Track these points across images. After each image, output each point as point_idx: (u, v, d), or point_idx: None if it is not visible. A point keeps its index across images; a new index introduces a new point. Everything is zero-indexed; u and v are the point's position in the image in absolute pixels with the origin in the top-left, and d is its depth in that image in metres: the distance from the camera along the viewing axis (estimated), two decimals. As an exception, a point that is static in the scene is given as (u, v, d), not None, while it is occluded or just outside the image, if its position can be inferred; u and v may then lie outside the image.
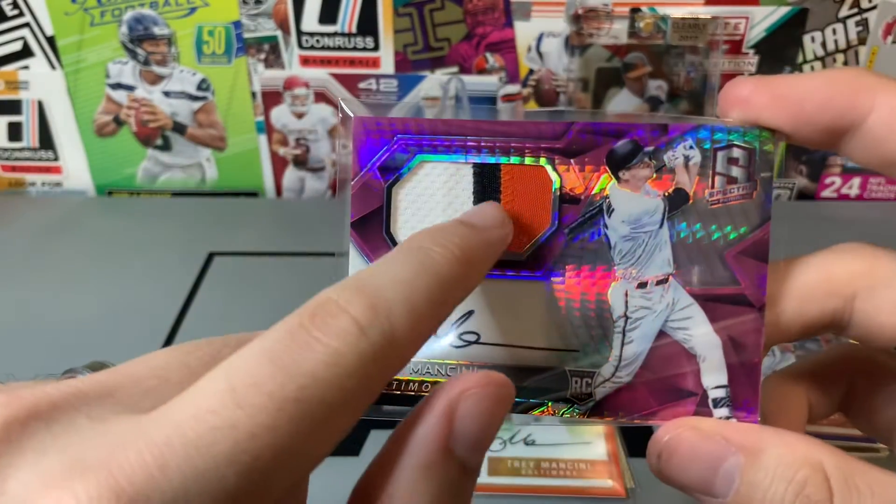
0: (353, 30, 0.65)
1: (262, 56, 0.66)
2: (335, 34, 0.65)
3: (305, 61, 0.66)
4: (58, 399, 0.16)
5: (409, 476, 0.18)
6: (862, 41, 0.64)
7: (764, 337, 0.23)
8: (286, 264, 0.60)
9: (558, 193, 0.23)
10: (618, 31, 0.62)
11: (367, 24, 0.64)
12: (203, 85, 0.68)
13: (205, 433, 0.14)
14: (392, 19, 0.64)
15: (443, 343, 0.24)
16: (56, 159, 0.72)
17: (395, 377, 0.23)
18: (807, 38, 0.64)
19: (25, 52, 0.67)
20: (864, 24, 0.63)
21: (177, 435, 0.14)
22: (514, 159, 0.24)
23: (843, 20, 0.64)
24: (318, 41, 0.65)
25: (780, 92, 0.22)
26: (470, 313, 0.24)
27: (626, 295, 0.23)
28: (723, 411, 0.23)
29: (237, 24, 0.65)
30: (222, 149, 0.71)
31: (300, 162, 0.71)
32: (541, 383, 0.24)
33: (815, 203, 0.72)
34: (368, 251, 0.24)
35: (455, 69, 0.67)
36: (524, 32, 0.65)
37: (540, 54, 0.66)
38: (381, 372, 0.17)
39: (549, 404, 0.24)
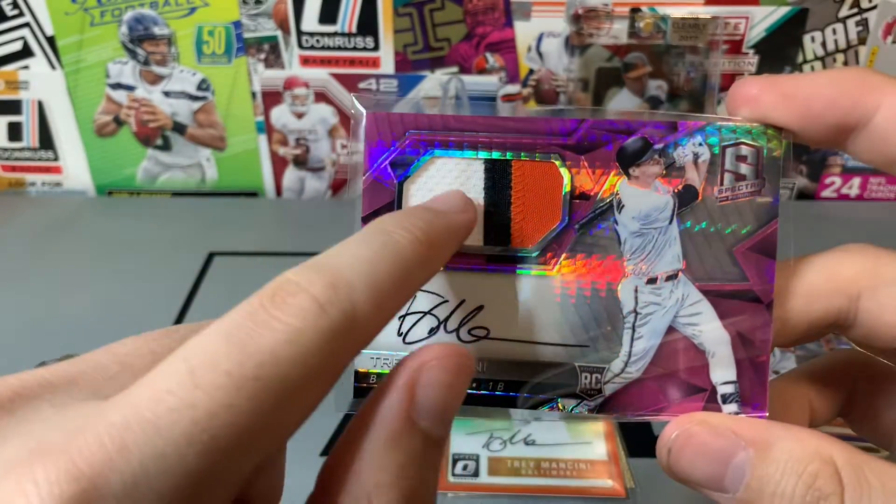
0: (353, 30, 0.65)
1: (262, 56, 0.66)
2: (335, 34, 0.65)
3: (305, 61, 0.66)
4: (20, 388, 0.16)
5: (375, 449, 0.18)
6: (862, 41, 0.64)
7: (772, 333, 0.23)
8: (286, 264, 0.60)
9: (569, 190, 0.24)
10: (618, 31, 0.62)
11: (367, 24, 0.64)
12: (203, 85, 0.68)
13: (163, 414, 0.14)
14: (392, 19, 0.64)
15: (452, 338, 0.24)
16: (56, 159, 0.72)
17: None
18: (807, 38, 0.64)
19: (25, 52, 0.67)
20: (864, 24, 0.63)
21: (135, 416, 0.14)
22: (524, 156, 0.24)
23: (843, 20, 0.64)
24: (318, 41, 0.65)
25: (788, 91, 0.22)
26: (480, 308, 0.24)
27: (636, 291, 0.24)
28: (731, 407, 0.23)
29: (237, 24, 0.65)
30: (222, 149, 0.71)
31: (300, 162, 0.71)
32: (550, 379, 0.24)
33: (815, 203, 0.72)
34: None
35: (455, 69, 0.67)
36: (524, 32, 0.65)
37: (540, 54, 0.66)
38: (342, 350, 0.17)
39: (559, 400, 0.24)
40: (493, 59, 0.66)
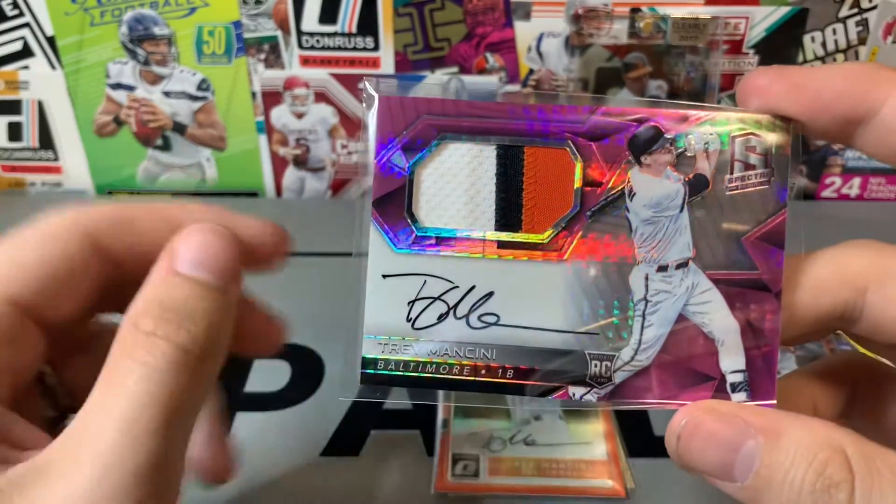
0: (353, 30, 0.65)
1: (262, 56, 0.66)
2: (335, 34, 0.65)
3: (305, 61, 0.66)
4: None
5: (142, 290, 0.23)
6: (862, 41, 0.64)
7: (781, 322, 0.23)
8: (286, 264, 0.60)
9: (580, 177, 0.24)
10: (618, 31, 0.62)
11: (367, 24, 0.64)
12: (203, 85, 0.68)
13: None
14: (392, 19, 0.64)
15: (461, 324, 0.24)
16: (56, 159, 0.72)
17: (413, 359, 0.24)
18: (807, 38, 0.64)
19: (25, 52, 0.67)
20: (864, 24, 0.64)
21: None
22: (537, 142, 0.24)
23: (843, 20, 0.64)
24: (318, 41, 0.65)
25: (798, 81, 0.23)
26: (490, 295, 0.24)
27: (647, 278, 0.24)
28: (740, 395, 0.23)
29: (237, 24, 0.65)
30: (222, 149, 0.71)
31: (300, 162, 0.71)
32: (560, 366, 0.24)
33: (815, 203, 0.72)
34: (389, 229, 0.24)
35: (455, 69, 0.67)
36: (524, 32, 0.65)
37: (540, 54, 0.66)
38: None
39: (568, 387, 0.24)
40: (493, 59, 0.66)
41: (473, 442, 0.44)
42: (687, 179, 0.24)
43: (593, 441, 0.44)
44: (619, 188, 0.24)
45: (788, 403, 0.25)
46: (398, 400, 0.26)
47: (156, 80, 0.68)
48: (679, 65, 0.63)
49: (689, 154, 0.24)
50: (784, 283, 0.23)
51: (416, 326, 0.24)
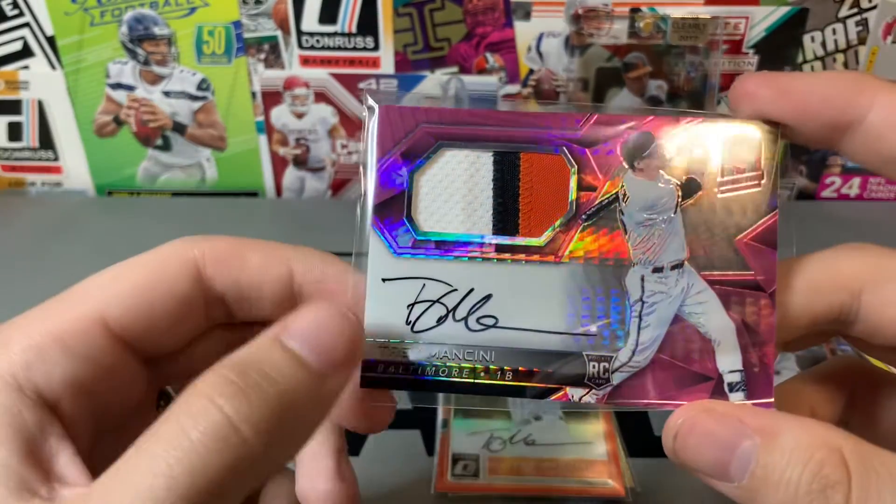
0: (353, 30, 0.65)
1: (262, 56, 0.66)
2: (335, 34, 0.65)
3: (305, 61, 0.66)
4: None
5: (239, 352, 0.21)
6: (862, 41, 0.64)
7: (776, 321, 0.23)
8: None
9: (575, 182, 0.24)
10: (618, 31, 0.62)
11: (367, 24, 0.64)
12: (203, 85, 0.68)
13: None
14: (392, 19, 0.64)
15: (461, 327, 0.24)
16: (56, 159, 0.72)
17: (414, 362, 0.24)
18: (807, 38, 0.64)
19: (25, 52, 0.67)
20: (864, 24, 0.64)
21: None
22: (532, 148, 0.24)
23: (843, 20, 0.64)
24: (318, 41, 0.65)
25: (785, 87, 0.23)
26: (488, 297, 0.24)
27: (643, 280, 0.24)
28: (738, 395, 0.24)
29: (237, 24, 0.65)
30: (222, 149, 0.71)
31: (300, 162, 0.71)
32: (558, 367, 0.24)
33: (815, 203, 0.72)
34: (389, 235, 0.24)
35: (455, 69, 0.67)
36: (524, 32, 0.65)
37: (540, 54, 0.66)
38: None
39: (566, 388, 0.24)
40: (493, 59, 0.66)
41: (473, 442, 0.44)
42: (679, 183, 0.24)
43: (593, 441, 0.44)
44: (614, 192, 0.24)
45: (786, 408, 0.25)
46: (399, 405, 0.26)
47: (156, 80, 0.68)
48: (679, 65, 0.63)
49: (681, 158, 0.24)
50: (778, 285, 0.23)
51: (415, 329, 0.24)
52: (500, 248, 0.24)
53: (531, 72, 0.67)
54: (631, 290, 0.24)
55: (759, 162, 0.24)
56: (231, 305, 0.25)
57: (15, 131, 0.70)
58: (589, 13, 0.62)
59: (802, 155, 0.71)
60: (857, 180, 0.71)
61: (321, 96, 0.68)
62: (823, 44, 0.65)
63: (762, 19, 0.63)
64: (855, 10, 0.63)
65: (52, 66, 0.67)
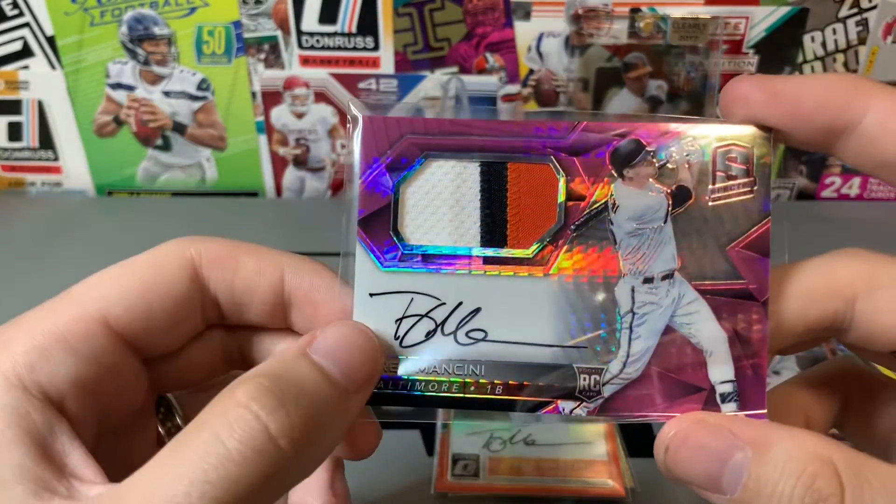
0: (353, 30, 0.65)
1: (262, 56, 0.66)
2: (335, 34, 0.65)
3: (305, 61, 0.66)
4: None
5: (270, 362, 0.21)
6: (862, 41, 0.64)
7: (768, 330, 0.23)
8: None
9: (564, 191, 0.24)
10: (618, 31, 0.62)
11: (367, 24, 0.64)
12: (203, 85, 0.68)
13: None
14: (392, 19, 0.64)
15: (449, 341, 0.24)
16: (56, 159, 0.72)
17: (403, 377, 0.24)
18: (807, 38, 0.64)
19: (25, 52, 0.67)
20: (864, 24, 0.64)
21: None
22: (520, 157, 0.24)
23: (843, 20, 0.64)
24: (318, 41, 0.65)
25: (779, 90, 0.23)
26: (477, 311, 0.24)
27: (633, 291, 0.24)
28: (730, 406, 0.23)
29: (237, 24, 0.65)
30: (222, 149, 0.71)
31: (300, 162, 0.71)
32: (549, 380, 0.24)
33: (815, 203, 0.72)
34: (375, 248, 0.24)
35: (455, 69, 0.67)
36: (524, 32, 0.65)
37: (540, 54, 0.66)
38: None
39: (557, 401, 0.24)
40: (493, 59, 0.66)
41: (473, 442, 0.44)
42: (670, 191, 0.24)
43: (593, 441, 0.44)
44: (603, 202, 0.24)
45: (780, 413, 0.24)
46: (388, 419, 0.26)
47: (156, 80, 0.68)
48: (679, 65, 0.63)
49: (671, 166, 0.24)
50: (771, 292, 0.23)
51: (403, 344, 0.24)
52: (487, 261, 0.24)
53: (531, 72, 0.67)
54: (621, 301, 0.24)
55: (752, 168, 0.24)
56: (223, 308, 0.25)
57: (15, 131, 0.70)
58: (589, 13, 0.62)
59: (802, 155, 0.71)
60: (857, 180, 0.71)
61: (321, 96, 0.68)
62: (823, 44, 0.65)
63: (762, 19, 0.63)
64: (855, 10, 0.63)
65: (52, 66, 0.67)
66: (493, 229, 0.24)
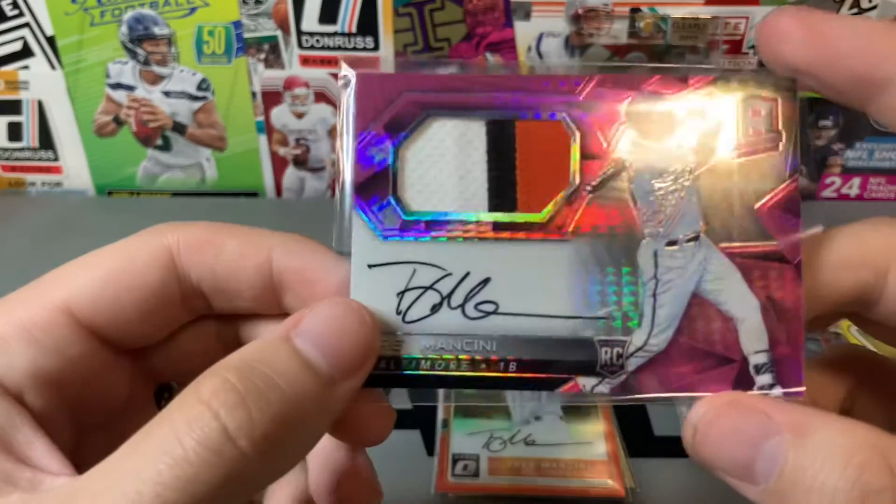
0: (353, 30, 0.65)
1: (262, 56, 0.66)
2: (335, 34, 0.65)
3: (305, 61, 0.66)
4: None
5: (250, 346, 0.20)
6: (862, 41, 0.64)
7: (803, 295, 0.21)
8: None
9: (577, 150, 0.22)
10: (618, 31, 0.62)
11: (367, 24, 0.64)
12: (203, 85, 0.68)
13: None
14: (392, 19, 0.64)
15: (457, 315, 0.22)
16: (56, 159, 0.72)
17: (407, 355, 0.22)
18: (807, 38, 0.64)
19: (25, 52, 0.67)
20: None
21: None
22: (529, 115, 0.22)
23: (843, 20, 0.64)
24: (318, 41, 0.65)
25: (820, 27, 0.21)
26: (487, 281, 0.22)
27: (656, 255, 0.22)
28: (765, 378, 0.22)
29: (237, 24, 0.65)
30: (222, 149, 0.71)
31: (300, 162, 0.71)
32: (567, 355, 0.22)
33: (815, 203, 0.72)
34: (374, 216, 0.22)
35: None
36: (524, 32, 0.65)
37: (540, 54, 0.66)
38: None
39: (577, 378, 0.22)
40: (492, 60, 0.66)
41: (473, 442, 0.44)
42: (692, 147, 0.22)
43: (593, 441, 0.44)
44: (620, 160, 0.22)
45: None
46: (398, 405, 0.24)
47: (156, 79, 0.68)
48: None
49: (692, 120, 0.22)
50: (803, 259, 0.21)
51: (406, 320, 0.22)
52: (497, 226, 0.22)
53: (531, 72, 0.66)
54: (644, 266, 0.22)
55: (777, 122, 0.22)
56: (209, 296, 0.24)
57: (15, 131, 0.70)
58: (589, 13, 0.62)
59: (804, 155, 0.71)
60: (857, 180, 0.71)
61: (321, 96, 0.68)
62: (823, 44, 0.65)
63: (762, 19, 0.63)
64: (855, 10, 0.63)
65: (52, 66, 0.67)
66: (502, 192, 0.22)
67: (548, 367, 0.22)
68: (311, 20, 0.64)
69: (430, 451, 0.44)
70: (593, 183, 0.22)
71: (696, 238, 0.22)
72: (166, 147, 0.71)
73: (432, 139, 0.23)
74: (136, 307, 0.23)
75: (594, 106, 0.22)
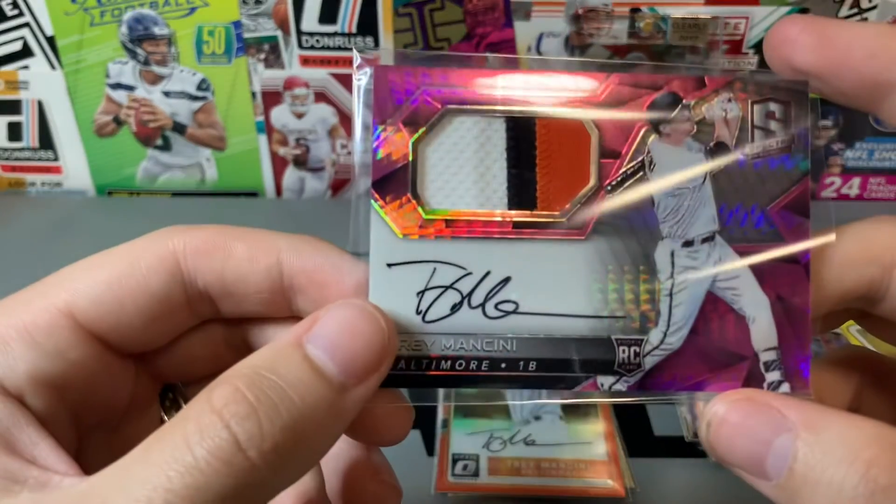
0: (353, 30, 0.65)
1: (262, 56, 0.66)
2: (335, 34, 0.65)
3: (305, 61, 0.66)
4: None
5: (262, 351, 0.20)
6: (862, 41, 0.64)
7: (811, 294, 0.22)
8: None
9: (597, 149, 0.22)
10: (618, 31, 0.62)
11: (367, 24, 0.64)
12: (203, 85, 0.68)
13: None
14: (392, 19, 0.64)
15: (477, 314, 0.22)
16: (56, 159, 0.72)
17: (427, 355, 0.22)
18: (807, 38, 0.64)
19: (25, 52, 0.67)
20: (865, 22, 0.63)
21: None
22: (549, 112, 0.22)
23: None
24: (318, 41, 0.65)
25: (830, 34, 0.21)
26: (507, 280, 0.22)
27: (672, 255, 0.22)
28: (774, 374, 0.22)
29: (237, 24, 0.65)
30: (222, 149, 0.71)
31: (300, 162, 0.71)
32: (586, 354, 0.22)
33: (814, 203, 0.72)
34: (393, 215, 0.22)
35: (455, 69, 0.66)
36: (524, 32, 0.65)
37: (540, 54, 0.66)
38: None
39: (596, 377, 0.22)
40: (493, 60, 0.66)
41: (473, 442, 0.44)
42: (708, 148, 0.22)
43: (593, 441, 0.44)
44: (639, 160, 0.22)
45: None
46: (416, 404, 0.24)
47: (156, 79, 0.68)
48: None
49: (708, 122, 0.22)
50: (811, 256, 0.22)
51: (426, 319, 0.22)
52: (517, 225, 0.22)
53: (531, 72, 0.66)
54: (661, 266, 0.22)
55: (790, 124, 0.22)
56: (216, 300, 0.24)
57: (15, 131, 0.70)
58: (589, 13, 0.62)
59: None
60: (857, 180, 0.71)
61: (321, 96, 0.68)
62: (823, 44, 0.65)
63: (762, 19, 0.63)
64: (855, 10, 0.63)
65: (52, 66, 0.67)
66: (522, 191, 0.22)
67: (567, 366, 0.22)
68: (311, 20, 0.64)
69: (430, 451, 0.44)
70: (613, 182, 0.22)
71: (711, 238, 0.22)
72: (166, 147, 0.71)
73: (452, 136, 0.22)
74: (140, 312, 0.22)
75: (613, 105, 0.22)
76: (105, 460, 0.19)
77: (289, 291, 0.23)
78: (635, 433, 0.46)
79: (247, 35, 0.65)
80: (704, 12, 0.63)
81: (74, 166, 0.72)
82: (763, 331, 0.22)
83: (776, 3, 0.63)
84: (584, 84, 0.22)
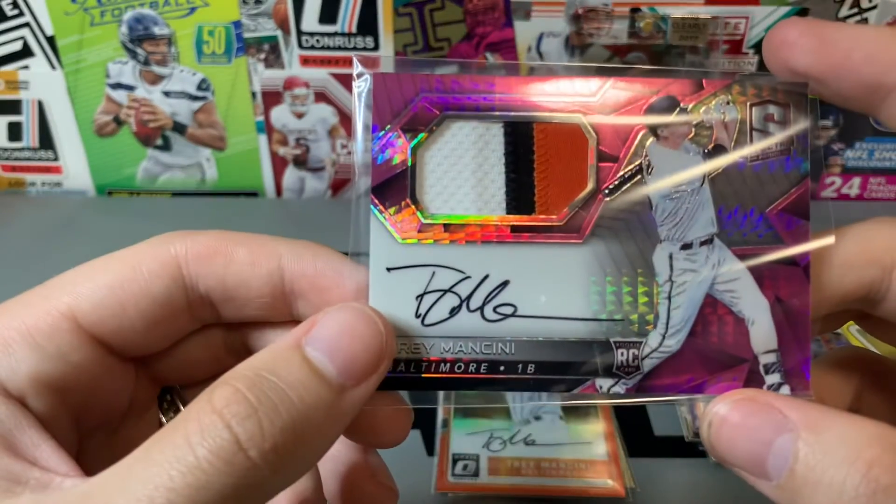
0: (353, 30, 0.65)
1: (262, 56, 0.66)
2: (335, 34, 0.65)
3: (305, 61, 0.66)
4: None
5: (260, 354, 0.20)
6: (862, 41, 0.64)
7: (811, 297, 0.22)
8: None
9: (595, 152, 0.22)
10: (618, 31, 0.62)
11: (367, 23, 0.64)
12: (203, 85, 0.68)
13: None
14: (392, 19, 0.64)
15: (476, 317, 0.22)
16: (56, 159, 0.72)
17: (426, 359, 0.22)
18: (807, 38, 0.64)
19: (25, 52, 0.67)
20: (864, 24, 0.63)
21: None
22: (546, 117, 0.22)
23: (843, 20, 0.64)
24: (318, 41, 0.65)
25: (829, 37, 0.21)
26: (505, 284, 0.22)
27: (671, 258, 0.22)
28: (774, 377, 0.22)
29: (237, 24, 0.65)
30: (222, 149, 0.71)
31: (300, 162, 0.71)
32: (585, 357, 0.22)
33: (815, 203, 0.72)
34: (392, 219, 0.22)
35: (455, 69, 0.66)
36: (524, 32, 0.65)
37: (540, 54, 0.66)
38: None
39: (595, 380, 0.22)
40: (493, 60, 0.66)
41: (473, 442, 0.44)
42: (706, 151, 0.22)
43: (593, 441, 0.44)
44: (637, 163, 0.22)
45: None
46: (416, 405, 0.24)
47: (156, 79, 0.68)
48: (679, 65, 0.63)
49: (706, 125, 0.22)
50: (811, 259, 0.22)
51: (425, 322, 0.22)
52: (515, 229, 0.22)
53: (531, 72, 0.66)
54: (659, 269, 0.22)
55: (789, 126, 0.22)
56: (217, 305, 0.24)
57: (15, 131, 0.70)
58: (589, 13, 0.62)
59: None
60: (857, 180, 0.71)
61: (321, 96, 0.68)
62: (823, 44, 0.65)
63: (762, 19, 0.63)
64: (855, 10, 0.63)
65: (52, 66, 0.67)
66: (520, 195, 0.22)
67: (566, 369, 0.22)
68: (311, 20, 0.64)
69: (430, 451, 0.44)
70: (610, 185, 0.22)
71: (709, 241, 0.22)
72: (166, 147, 0.71)
73: (450, 141, 0.23)
74: (141, 316, 0.23)
75: (611, 108, 0.22)
76: (105, 462, 0.19)
77: (290, 296, 0.23)
78: (635, 433, 0.46)
79: (247, 35, 0.65)
80: (704, 12, 0.63)
81: (74, 166, 0.72)
82: (763, 333, 0.22)
83: (776, 2, 0.63)
84: (581, 88, 0.22)
